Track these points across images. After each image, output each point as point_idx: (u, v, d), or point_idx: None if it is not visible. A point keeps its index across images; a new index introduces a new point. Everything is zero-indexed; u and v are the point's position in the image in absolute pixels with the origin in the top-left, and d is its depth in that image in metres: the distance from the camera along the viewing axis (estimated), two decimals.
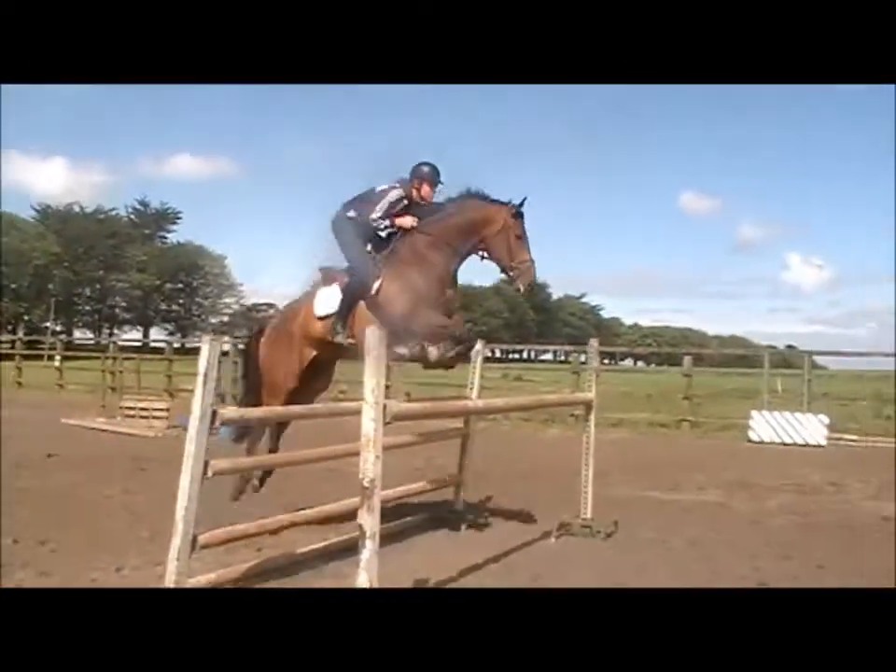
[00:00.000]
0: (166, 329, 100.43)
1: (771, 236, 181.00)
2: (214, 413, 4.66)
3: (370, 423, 4.61)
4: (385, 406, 4.70)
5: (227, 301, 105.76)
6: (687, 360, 20.23)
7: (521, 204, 6.83)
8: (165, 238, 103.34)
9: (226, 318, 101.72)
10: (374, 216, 6.87)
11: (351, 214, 6.98)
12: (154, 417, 16.21)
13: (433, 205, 7.04)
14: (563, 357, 21.34)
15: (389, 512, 7.18)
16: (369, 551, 4.64)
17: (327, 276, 7.15)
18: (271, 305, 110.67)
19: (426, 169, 7.07)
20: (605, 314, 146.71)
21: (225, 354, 22.37)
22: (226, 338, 29.38)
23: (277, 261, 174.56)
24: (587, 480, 7.65)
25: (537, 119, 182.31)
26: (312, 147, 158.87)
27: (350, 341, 6.74)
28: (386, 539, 6.24)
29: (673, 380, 22.41)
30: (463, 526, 7.79)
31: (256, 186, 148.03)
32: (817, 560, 6.79)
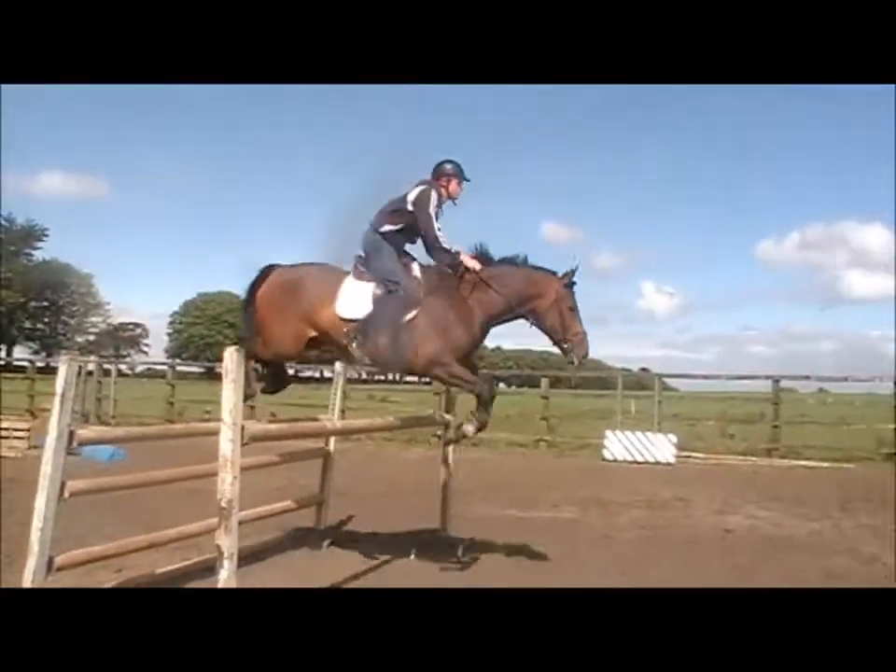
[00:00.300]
0: (30, 347, 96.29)
1: (627, 265, 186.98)
2: (71, 434, 4.63)
3: (227, 444, 4.64)
4: (243, 427, 4.75)
5: (93, 319, 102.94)
6: (544, 382, 20.62)
7: (573, 275, 6.59)
8: (31, 255, 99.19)
9: (92, 337, 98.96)
10: (436, 231, 6.50)
11: (386, 228, 6.58)
12: (15, 437, 15.58)
13: (489, 262, 6.61)
14: (427, 380, 21.43)
15: (250, 532, 7.20)
16: (227, 571, 4.66)
17: (358, 270, 6.59)
18: (138, 325, 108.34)
19: (449, 167, 6.78)
20: None
21: (90, 373, 21.85)
22: (91, 357, 28.61)
23: (146, 281, 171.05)
24: (445, 498, 7.83)
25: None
26: (187, 166, 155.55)
27: (366, 360, 6.45)
28: (247, 558, 6.27)
29: (532, 401, 22.89)
30: (324, 545, 7.84)
31: (127, 204, 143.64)
32: (659, 573, 7.14)
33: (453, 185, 6.76)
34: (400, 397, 27.22)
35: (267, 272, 6.79)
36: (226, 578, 4.65)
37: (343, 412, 15.77)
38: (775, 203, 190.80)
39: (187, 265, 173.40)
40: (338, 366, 8.59)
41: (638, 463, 16.84)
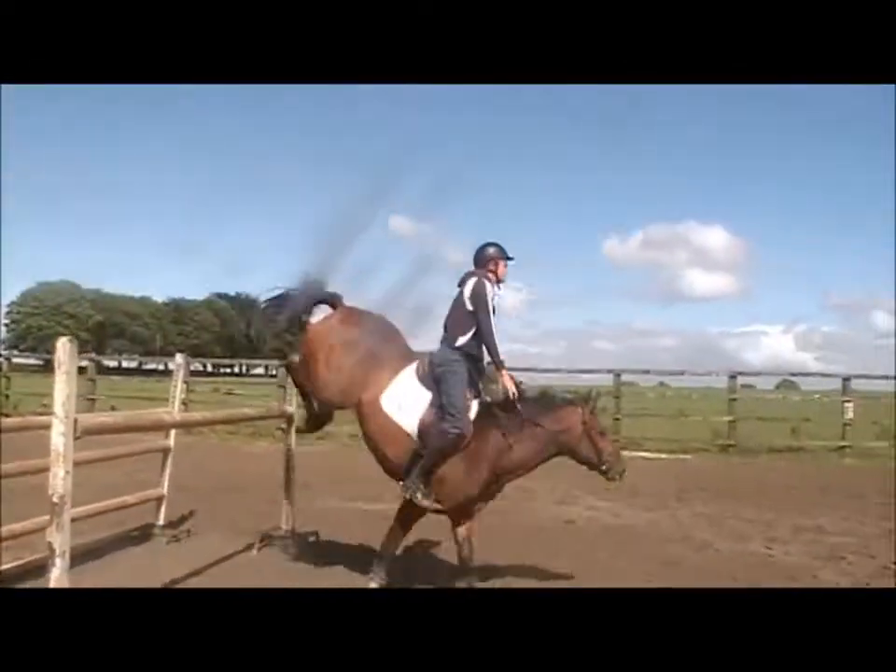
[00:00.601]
0: None
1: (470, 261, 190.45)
2: None
3: (59, 437, 4.47)
4: (76, 420, 4.60)
5: None
6: None
7: (595, 402, 6.61)
8: None
9: None
10: (493, 331, 6.29)
11: (461, 342, 6.33)
12: None
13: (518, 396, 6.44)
14: (273, 372, 21.26)
15: (86, 529, 6.98)
16: (59, 569, 4.50)
17: (422, 369, 6.39)
18: None
19: (492, 250, 6.58)
20: None
21: None
22: None
23: None
24: (288, 492, 7.77)
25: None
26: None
27: (435, 505, 6.33)
28: (83, 556, 6.07)
29: None
30: (164, 541, 7.69)
31: None
32: (503, 565, 7.33)
33: (500, 268, 6.59)
34: (245, 390, 26.76)
35: (333, 301, 6.72)
36: (58, 577, 4.48)
37: (185, 405, 15.52)
38: (620, 204, 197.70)
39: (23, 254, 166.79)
40: (179, 357, 8.43)
41: None
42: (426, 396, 6.25)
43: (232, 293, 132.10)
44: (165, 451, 8.04)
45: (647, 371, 22.21)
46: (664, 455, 17.26)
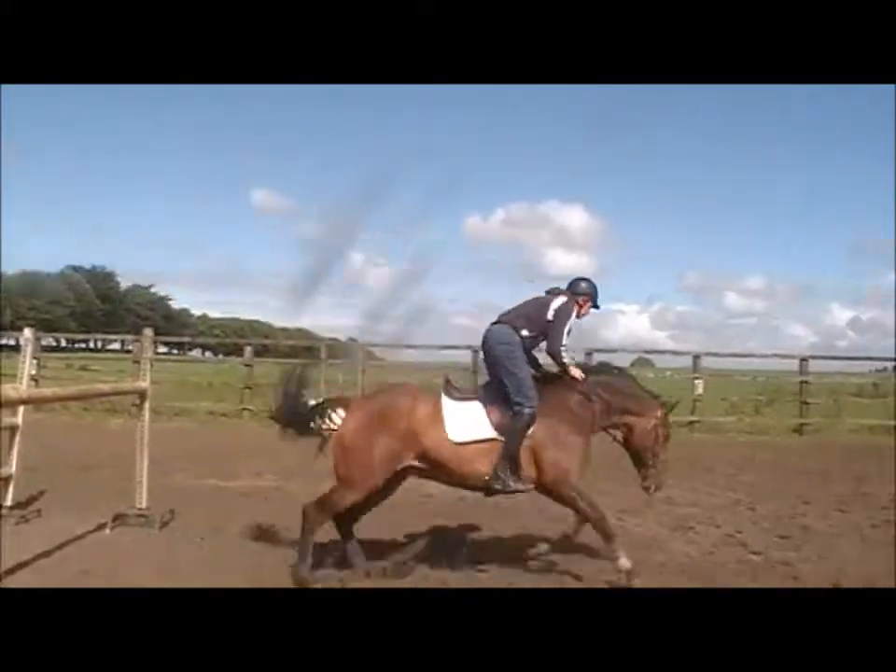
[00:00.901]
0: None
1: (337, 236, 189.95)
2: None
3: None
4: None
5: None
6: (248, 350, 20.37)
7: (674, 407, 6.91)
8: None
9: None
10: (563, 344, 6.53)
11: (525, 333, 6.55)
12: None
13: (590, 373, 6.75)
14: (129, 347, 20.77)
15: None
16: None
17: (451, 389, 6.49)
18: None
19: (586, 286, 6.90)
20: (175, 304, 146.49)
21: None
22: None
23: None
24: (142, 470, 7.70)
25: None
26: None
27: (525, 486, 6.33)
28: None
29: (237, 370, 22.66)
30: (12, 522, 7.48)
31: None
32: (363, 534, 7.33)
33: (585, 307, 6.89)
34: (100, 365, 26.08)
35: (347, 404, 6.63)
36: None
37: (35, 381, 15.04)
38: (482, 181, 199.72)
39: None
40: (27, 332, 8.24)
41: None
42: (475, 404, 6.39)
43: (88, 266, 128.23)
44: (13, 428, 7.82)
45: None
46: None
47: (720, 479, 11.90)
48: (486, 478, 6.24)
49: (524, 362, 6.50)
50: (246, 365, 20.20)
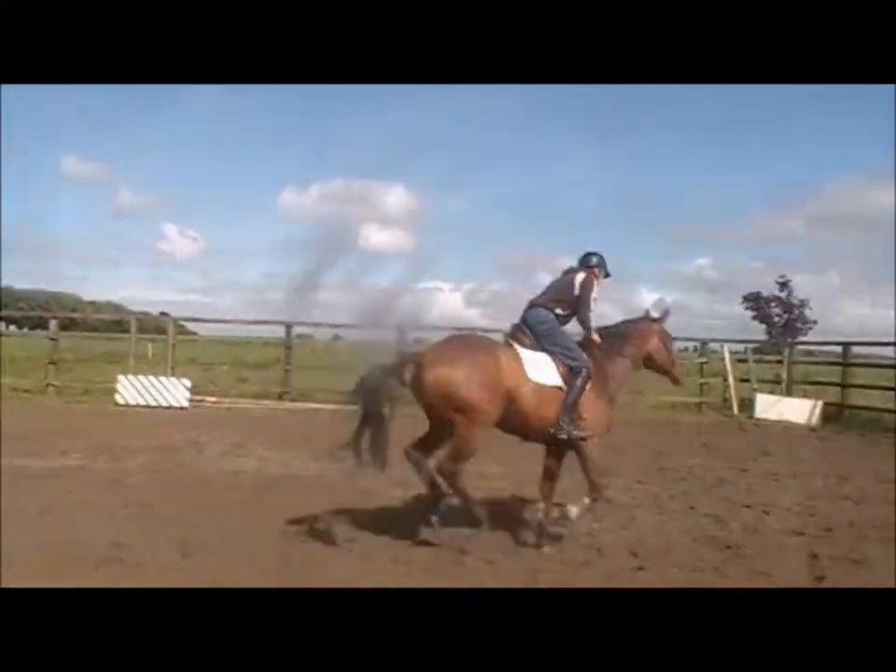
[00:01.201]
0: None
1: (150, 206, 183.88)
2: None
3: None
4: None
5: None
6: (53, 324, 19.57)
7: (666, 316, 7.82)
8: None
9: None
10: (591, 314, 7.28)
11: (559, 311, 7.24)
12: None
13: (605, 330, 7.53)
14: None
15: None
16: None
17: (522, 339, 7.13)
18: None
19: (596, 259, 7.57)
20: None
21: None
22: None
23: None
24: None
25: None
26: None
27: (582, 433, 6.93)
28: None
29: (41, 344, 21.74)
30: None
31: None
32: (172, 517, 7.35)
33: (600, 276, 7.59)
34: None
35: (416, 359, 6.79)
36: None
37: None
38: (295, 157, 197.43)
39: None
40: None
41: (152, 407, 16.93)
42: (546, 356, 7.03)
43: None
44: None
45: (319, 325, 22.48)
46: (330, 407, 17.26)
47: (530, 451, 12.25)
48: (551, 429, 6.88)
49: (564, 335, 7.28)
50: (52, 339, 19.37)
